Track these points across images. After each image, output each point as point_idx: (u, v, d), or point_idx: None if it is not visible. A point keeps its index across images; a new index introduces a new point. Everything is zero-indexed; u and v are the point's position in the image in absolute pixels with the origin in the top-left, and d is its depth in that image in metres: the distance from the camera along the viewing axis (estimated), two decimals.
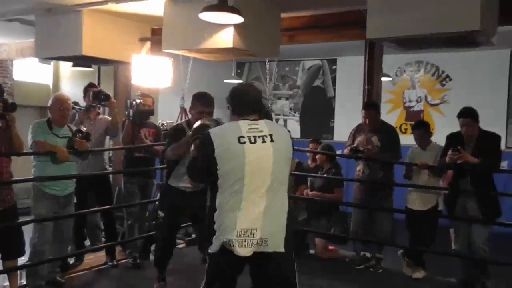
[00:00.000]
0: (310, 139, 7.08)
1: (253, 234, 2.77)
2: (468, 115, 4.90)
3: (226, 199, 2.81)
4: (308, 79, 11.50)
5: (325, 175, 6.11)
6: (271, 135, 2.84)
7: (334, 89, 11.15)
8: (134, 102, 5.52)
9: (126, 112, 5.63)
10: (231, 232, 2.77)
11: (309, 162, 6.40)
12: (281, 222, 2.86)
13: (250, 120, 2.90)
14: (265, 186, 2.80)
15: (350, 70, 10.32)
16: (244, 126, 2.86)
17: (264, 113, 3.03)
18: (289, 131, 3.06)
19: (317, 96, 11.32)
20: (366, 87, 6.06)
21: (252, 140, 2.82)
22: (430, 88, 10.22)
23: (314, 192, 6.13)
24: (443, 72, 10.07)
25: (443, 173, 5.40)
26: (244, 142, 2.80)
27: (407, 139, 6.07)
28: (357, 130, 5.79)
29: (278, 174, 2.84)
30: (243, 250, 2.78)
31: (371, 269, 5.61)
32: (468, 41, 4.45)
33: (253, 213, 2.78)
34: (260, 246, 2.79)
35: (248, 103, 2.95)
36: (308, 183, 6.30)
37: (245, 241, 2.77)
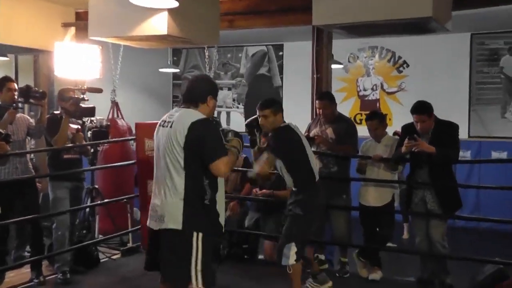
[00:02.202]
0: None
1: (156, 211, 3.65)
2: (422, 111, 5.20)
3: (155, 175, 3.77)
4: (252, 67, 11.73)
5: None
6: (173, 122, 3.62)
7: (281, 78, 11.43)
8: (80, 97, 5.60)
9: (61, 108, 5.67)
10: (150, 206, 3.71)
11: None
12: (175, 203, 3.57)
13: (179, 107, 3.77)
14: (165, 167, 3.62)
15: (299, 56, 10.53)
16: (170, 112, 3.75)
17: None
18: (205, 121, 3.61)
19: (262, 86, 11.58)
20: (315, 76, 6.33)
21: (162, 124, 3.71)
22: (386, 75, 10.62)
23: (264, 190, 6.29)
24: (399, 57, 10.49)
25: (399, 166, 5.73)
26: (159, 126, 3.73)
27: (362, 130, 6.34)
28: (313, 122, 6.12)
29: (169, 158, 3.59)
30: (151, 223, 3.68)
31: (337, 274, 5.88)
32: (421, 27, 4.76)
33: (159, 191, 3.66)
34: (160, 222, 3.61)
35: (183, 95, 3.85)
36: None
37: (153, 216, 3.67)
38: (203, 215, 3.60)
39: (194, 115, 3.61)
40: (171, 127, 3.60)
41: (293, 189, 4.83)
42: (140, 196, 6.19)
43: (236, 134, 3.88)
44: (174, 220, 3.55)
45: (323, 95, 6.04)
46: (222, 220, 3.71)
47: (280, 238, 4.85)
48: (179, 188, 3.56)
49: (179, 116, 3.63)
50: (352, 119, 10.31)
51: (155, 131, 3.78)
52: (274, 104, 4.83)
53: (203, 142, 3.53)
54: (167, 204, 3.59)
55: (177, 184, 3.57)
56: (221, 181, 3.73)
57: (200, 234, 3.56)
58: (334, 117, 5.92)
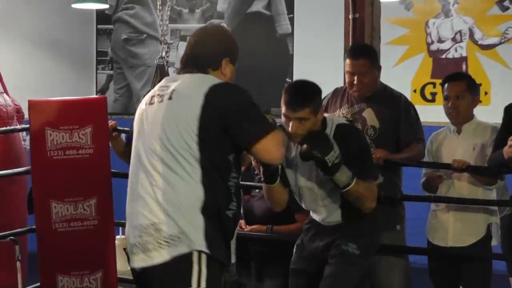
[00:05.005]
0: None
1: (157, 230, 3.88)
2: None
3: (130, 180, 4.10)
4: (240, 0, 11.78)
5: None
6: (173, 91, 3.97)
7: (292, 19, 11.48)
8: None
9: None
10: (129, 229, 4.05)
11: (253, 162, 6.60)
12: (190, 215, 3.87)
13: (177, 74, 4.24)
14: (158, 162, 3.92)
15: None
16: (161, 83, 4.17)
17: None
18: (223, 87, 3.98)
19: (257, 34, 11.64)
20: (351, 16, 6.42)
21: (152, 101, 4.08)
22: (479, 16, 10.64)
23: (255, 226, 6.41)
24: None
25: (500, 178, 5.82)
26: (145, 105, 4.12)
27: (435, 113, 6.35)
28: (334, 98, 6.26)
29: (171, 147, 3.89)
30: (133, 260, 4.01)
31: None
32: None
33: (149, 201, 3.92)
34: (171, 247, 3.85)
35: (182, 58, 4.21)
36: (241, 209, 6.51)
37: (145, 244, 3.92)
38: (219, 231, 3.94)
39: (209, 79, 4.01)
40: (170, 98, 3.95)
41: (340, 219, 5.07)
42: (39, 230, 6.27)
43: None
44: (193, 242, 3.85)
45: (358, 50, 6.17)
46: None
47: None
48: (196, 192, 3.87)
49: (182, 83, 4.01)
50: (418, 93, 10.46)
51: (136, 116, 4.19)
52: (314, 96, 4.94)
53: (236, 113, 3.88)
54: (178, 219, 3.86)
55: (189, 186, 3.87)
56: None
57: (204, 256, 3.86)
58: (374, 91, 6.07)
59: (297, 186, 5.13)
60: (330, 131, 4.92)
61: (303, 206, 5.30)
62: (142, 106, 4.15)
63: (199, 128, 3.81)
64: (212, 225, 3.86)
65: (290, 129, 4.80)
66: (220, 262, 3.93)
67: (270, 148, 3.84)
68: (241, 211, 6.41)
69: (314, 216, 5.23)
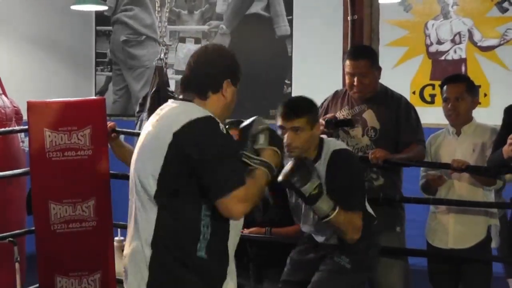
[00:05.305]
0: (229, 122, 7.10)
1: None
2: None
3: None
4: (239, 1, 11.76)
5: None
6: (157, 121, 3.83)
7: (290, 21, 11.45)
8: None
9: None
10: None
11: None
12: (138, 251, 3.76)
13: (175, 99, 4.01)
14: (134, 198, 3.84)
15: None
16: (162, 106, 3.98)
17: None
18: (202, 121, 3.73)
19: (256, 35, 11.65)
20: (349, 17, 6.41)
21: (142, 132, 3.97)
22: (478, 17, 10.60)
23: (253, 229, 6.37)
24: None
25: (500, 181, 5.82)
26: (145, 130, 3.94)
27: (434, 114, 6.27)
28: (334, 100, 6.25)
29: (140, 178, 3.78)
30: None
31: None
32: None
33: (127, 243, 3.89)
34: (125, 280, 3.84)
35: (182, 79, 4.04)
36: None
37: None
38: (189, 278, 3.73)
39: (192, 111, 3.75)
40: (151, 127, 3.84)
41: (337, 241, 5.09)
42: (38, 231, 6.26)
43: (273, 137, 3.96)
44: (137, 278, 3.76)
45: (358, 51, 6.17)
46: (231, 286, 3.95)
47: None
48: (147, 227, 3.73)
49: (168, 112, 3.84)
50: (418, 95, 10.43)
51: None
52: (310, 108, 5.01)
53: (202, 161, 3.63)
54: (131, 252, 3.81)
55: (145, 220, 3.75)
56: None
57: None
58: (374, 92, 6.07)
59: (295, 206, 5.17)
60: (325, 155, 4.96)
61: (303, 229, 5.34)
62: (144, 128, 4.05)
63: (163, 167, 3.64)
64: (169, 270, 3.71)
65: (285, 140, 4.78)
66: None
67: (229, 208, 3.62)
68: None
69: (314, 236, 5.24)
